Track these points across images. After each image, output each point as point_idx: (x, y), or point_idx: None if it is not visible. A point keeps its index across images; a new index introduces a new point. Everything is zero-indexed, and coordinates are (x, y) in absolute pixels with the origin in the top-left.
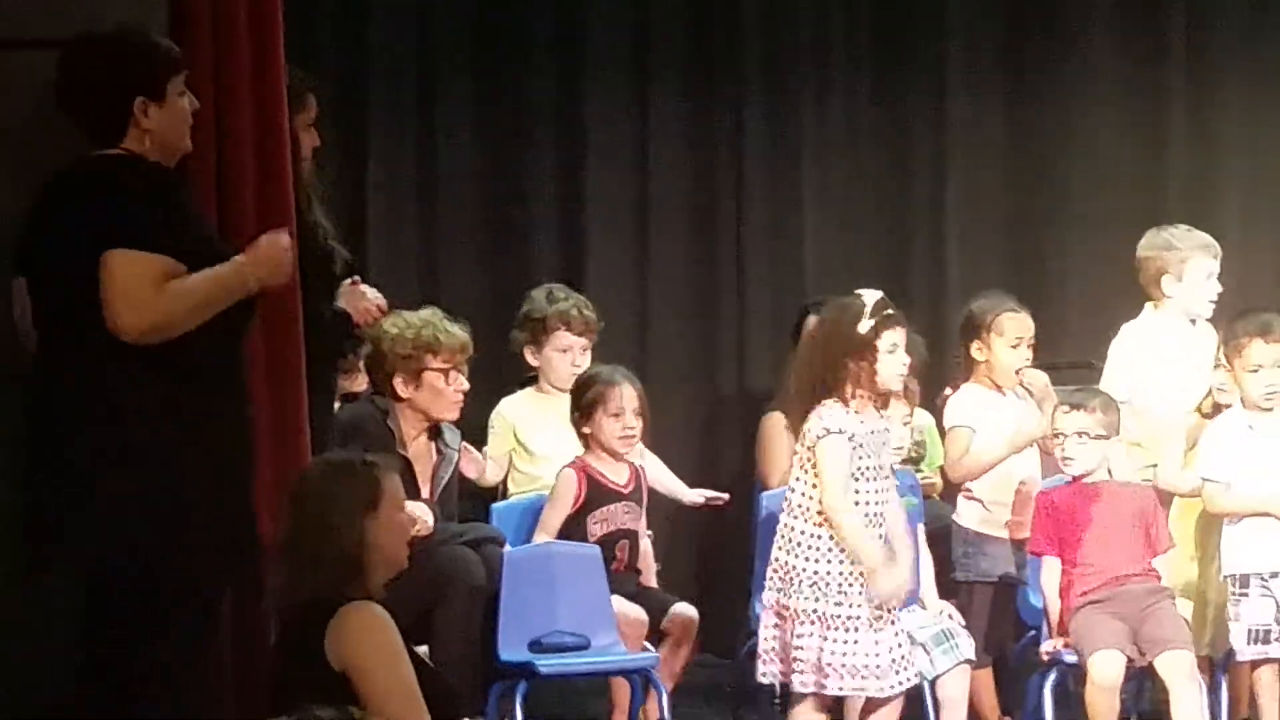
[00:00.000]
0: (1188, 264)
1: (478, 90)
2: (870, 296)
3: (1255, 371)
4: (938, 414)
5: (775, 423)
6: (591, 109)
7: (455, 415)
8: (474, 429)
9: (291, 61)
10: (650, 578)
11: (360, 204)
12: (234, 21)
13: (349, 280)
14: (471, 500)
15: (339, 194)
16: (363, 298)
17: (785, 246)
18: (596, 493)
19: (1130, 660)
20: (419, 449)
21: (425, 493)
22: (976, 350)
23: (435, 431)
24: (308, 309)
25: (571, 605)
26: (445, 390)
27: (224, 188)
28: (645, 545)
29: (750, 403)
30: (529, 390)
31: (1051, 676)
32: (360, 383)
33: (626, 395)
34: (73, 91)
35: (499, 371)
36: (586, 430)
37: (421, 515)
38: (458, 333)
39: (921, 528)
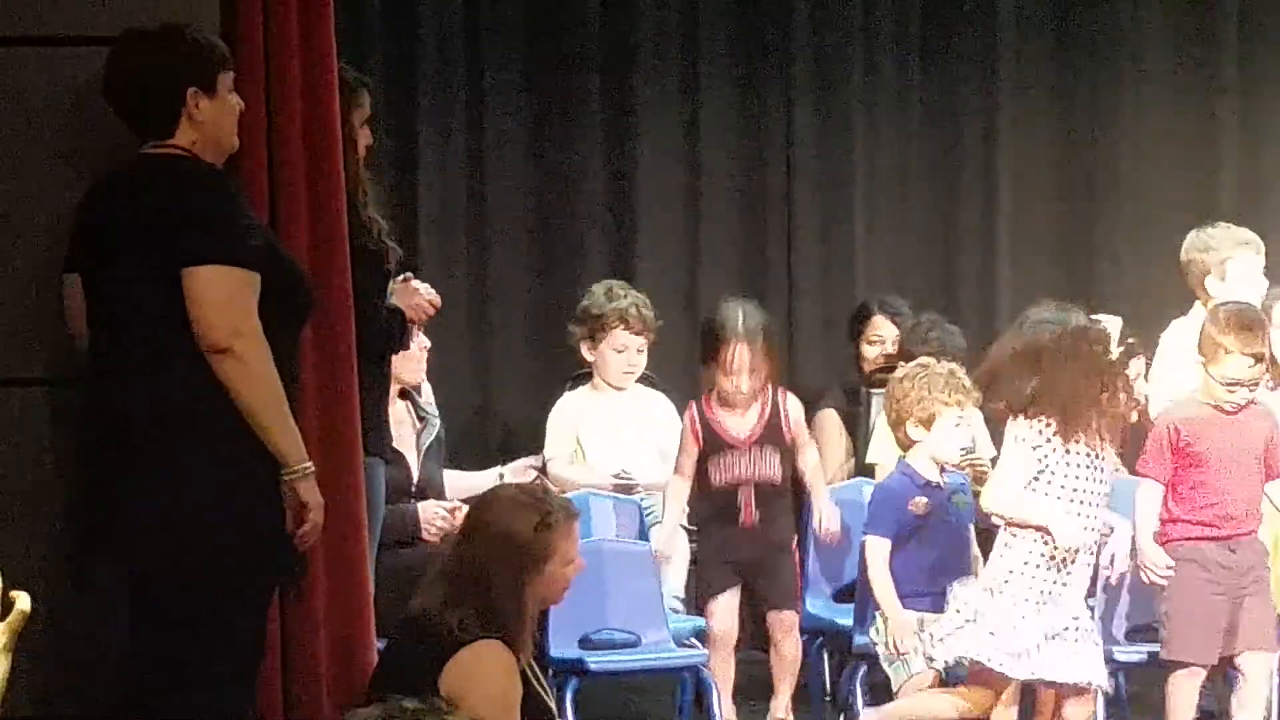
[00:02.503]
0: (1228, 264)
1: (527, 86)
2: (1114, 324)
3: None
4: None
5: (827, 420)
6: (641, 107)
7: (419, 378)
8: (530, 426)
9: (341, 60)
10: (828, 523)
11: (411, 201)
12: (285, 19)
13: (402, 277)
14: None
15: (390, 192)
16: (416, 294)
17: (835, 246)
18: (712, 441)
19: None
20: (396, 414)
21: (411, 459)
22: None
23: (404, 394)
24: (361, 306)
25: (622, 603)
26: (411, 351)
27: (276, 186)
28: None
29: (801, 401)
30: (585, 388)
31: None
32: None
33: (739, 355)
34: (124, 83)
35: (549, 367)
36: (709, 375)
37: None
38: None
39: (972, 528)
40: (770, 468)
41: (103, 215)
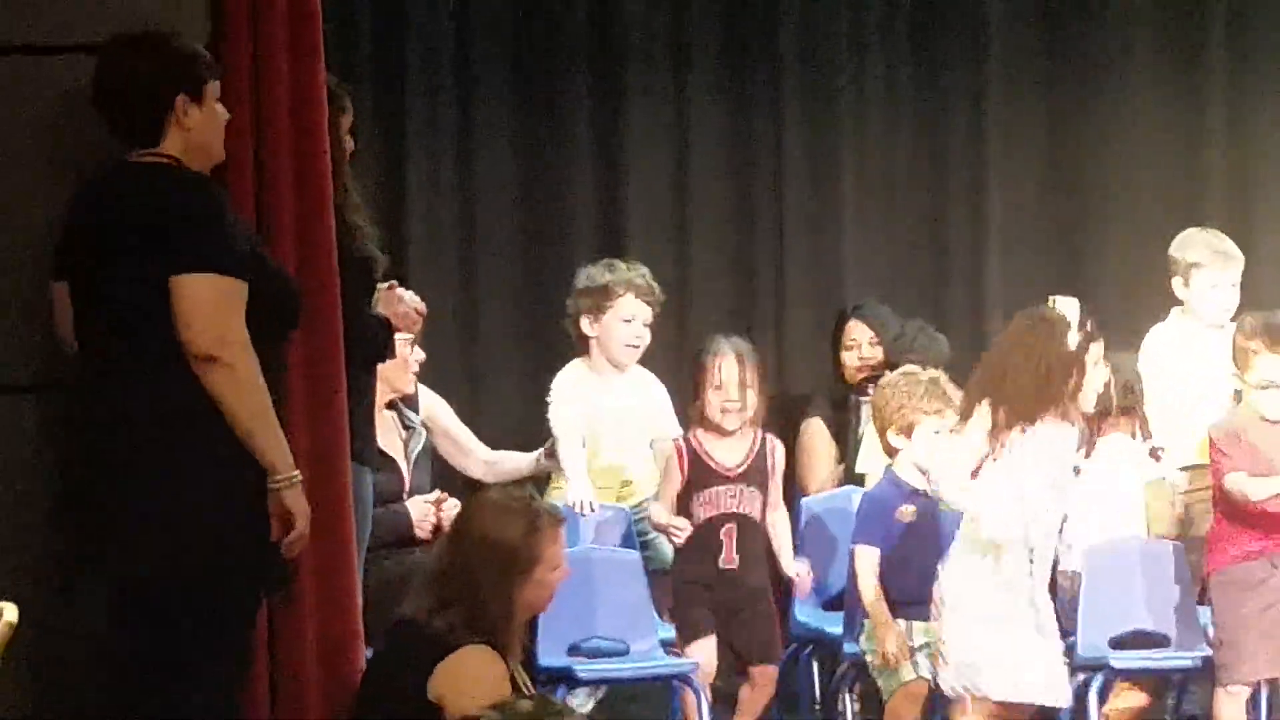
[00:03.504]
0: (1193, 271)
1: (515, 92)
2: (1071, 308)
3: None
4: None
5: (815, 429)
6: (629, 110)
7: (411, 388)
8: (520, 433)
9: (330, 67)
10: (784, 560)
11: (399, 208)
12: (273, 27)
13: (387, 284)
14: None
15: (377, 199)
16: (401, 302)
17: (824, 251)
18: (700, 473)
19: None
20: (384, 423)
21: (403, 465)
22: None
23: (391, 404)
24: (348, 314)
25: (610, 610)
26: (406, 360)
27: (263, 194)
28: (775, 529)
29: (789, 408)
30: (582, 368)
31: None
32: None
33: (727, 368)
34: (114, 89)
35: (539, 373)
36: (697, 405)
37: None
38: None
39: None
40: (753, 506)
41: (90, 223)
